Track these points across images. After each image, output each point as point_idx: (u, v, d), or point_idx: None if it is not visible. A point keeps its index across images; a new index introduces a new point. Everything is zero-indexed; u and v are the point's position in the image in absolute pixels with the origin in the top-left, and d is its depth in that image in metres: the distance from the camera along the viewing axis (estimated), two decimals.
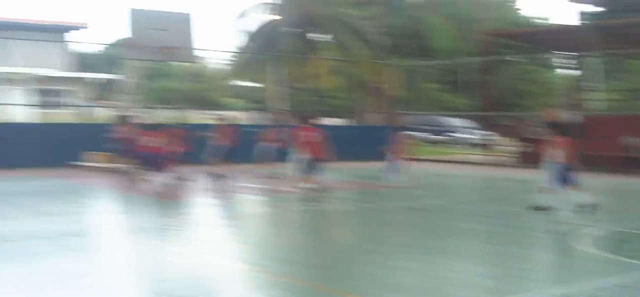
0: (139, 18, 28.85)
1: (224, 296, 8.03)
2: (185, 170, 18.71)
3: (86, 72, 47.92)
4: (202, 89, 57.94)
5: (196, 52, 32.17)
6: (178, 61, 40.81)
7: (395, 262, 9.59)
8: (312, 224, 14.23)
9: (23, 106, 39.48)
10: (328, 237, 12.70)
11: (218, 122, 21.56)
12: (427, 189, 20.37)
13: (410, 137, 23.53)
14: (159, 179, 16.94)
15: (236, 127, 21.36)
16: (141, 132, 18.06)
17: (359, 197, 19.42)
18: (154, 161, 17.09)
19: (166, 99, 52.77)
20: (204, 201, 17.40)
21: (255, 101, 52.32)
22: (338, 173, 21.20)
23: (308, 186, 17.31)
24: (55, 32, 47.11)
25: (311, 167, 17.39)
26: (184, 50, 29.43)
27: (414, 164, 22.03)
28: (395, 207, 16.72)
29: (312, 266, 9.58)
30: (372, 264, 9.32)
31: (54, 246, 10.46)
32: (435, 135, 45.38)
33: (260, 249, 11.08)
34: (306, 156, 17.39)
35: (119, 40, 56.04)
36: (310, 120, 18.38)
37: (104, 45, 62.93)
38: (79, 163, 21.66)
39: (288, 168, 18.99)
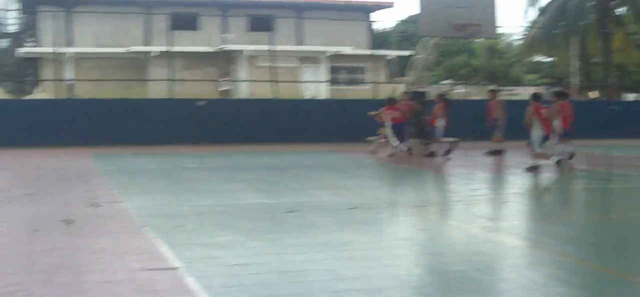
0: None
1: (502, 273, 7.83)
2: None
3: (383, 49, 49.14)
4: (499, 65, 57.12)
5: (496, 28, 31.52)
6: (477, 38, 40.57)
7: None
8: (596, 202, 13.53)
9: (323, 83, 41.38)
10: (613, 216, 11.96)
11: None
12: None
13: None
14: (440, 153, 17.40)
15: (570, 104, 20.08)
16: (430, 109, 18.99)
17: None
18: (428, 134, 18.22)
19: (463, 76, 52.77)
20: (484, 176, 17.22)
21: (550, 76, 50.76)
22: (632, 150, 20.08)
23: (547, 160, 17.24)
24: (361, 11, 48.85)
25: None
26: (483, 26, 28.92)
27: None
28: None
29: (594, 245, 9.07)
30: None
31: (339, 218, 10.80)
32: None
33: (540, 226, 10.72)
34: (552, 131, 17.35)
35: (413, 17, 56.85)
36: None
37: (400, 22, 64.12)
38: (373, 139, 22.31)
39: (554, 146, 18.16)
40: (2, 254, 8.12)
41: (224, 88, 39.23)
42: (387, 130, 21.11)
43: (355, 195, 13.48)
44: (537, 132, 16.98)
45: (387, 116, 21.14)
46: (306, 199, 12.77)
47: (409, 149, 20.91)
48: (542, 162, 16.98)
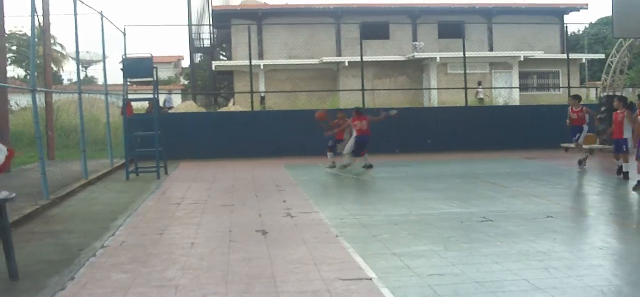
0: None
1: None
2: None
3: (575, 52, 47.49)
4: None
5: None
6: None
7: None
8: None
9: (514, 89, 40.47)
10: None
11: None
12: None
13: None
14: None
15: None
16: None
17: None
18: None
19: None
20: None
21: None
22: None
23: None
24: (553, 14, 47.48)
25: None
26: None
27: None
28: None
29: None
30: None
31: (535, 227, 10.47)
32: None
33: None
34: None
35: (604, 19, 54.58)
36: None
37: (592, 24, 61.69)
38: (567, 145, 21.57)
39: None
40: (200, 264, 8.43)
41: (479, 96, 39.16)
42: (350, 142, 20.26)
43: (551, 203, 13.02)
44: None
45: (353, 126, 20.18)
46: (501, 208, 12.49)
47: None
48: None
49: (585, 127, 19.81)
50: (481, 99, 38.91)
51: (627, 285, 7.26)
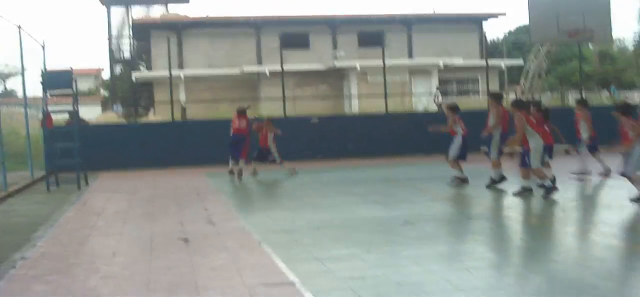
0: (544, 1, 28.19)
1: (621, 277, 7.51)
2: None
3: (494, 59, 48.48)
4: (612, 71, 55.43)
5: (610, 33, 30.53)
6: (590, 43, 39.50)
7: None
8: None
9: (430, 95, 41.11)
10: None
11: None
12: None
13: None
14: None
15: None
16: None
17: None
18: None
19: (575, 82, 51.48)
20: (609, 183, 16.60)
21: None
22: None
23: None
24: (471, 22, 48.36)
25: None
26: (596, 31, 28.05)
27: None
28: None
29: None
30: None
31: (455, 229, 10.62)
32: None
33: None
34: None
35: (523, 27, 55.89)
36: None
37: (510, 31, 63.13)
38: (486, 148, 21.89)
39: None
40: (122, 273, 8.30)
41: (439, 100, 39.25)
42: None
43: (471, 205, 13.23)
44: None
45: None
46: (421, 211, 12.62)
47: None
48: None
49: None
50: (439, 105, 39.23)
51: (547, 281, 7.42)
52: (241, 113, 20.57)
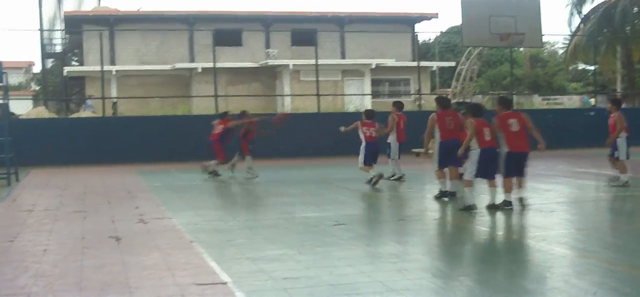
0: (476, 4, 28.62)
1: (551, 281, 7.69)
2: None
3: (426, 60, 49.08)
4: (543, 74, 56.63)
5: (541, 37, 31.21)
6: (521, 47, 40.26)
7: None
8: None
9: (366, 96, 41.31)
10: None
11: None
12: None
13: None
14: None
15: None
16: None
17: None
18: None
19: (505, 85, 52.44)
20: (538, 186, 16.96)
21: (593, 84, 50.23)
22: None
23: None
24: (404, 23, 48.78)
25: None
26: (527, 35, 28.64)
27: None
28: None
29: None
30: None
31: (387, 230, 10.74)
32: None
33: (593, 236, 10.52)
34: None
35: (455, 28, 56.66)
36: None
37: (443, 33, 63.88)
38: (419, 151, 22.13)
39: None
40: (53, 271, 8.20)
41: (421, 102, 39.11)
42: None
43: (403, 207, 13.39)
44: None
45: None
46: (353, 212, 12.74)
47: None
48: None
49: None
50: (420, 105, 39.27)
51: (477, 284, 7.58)
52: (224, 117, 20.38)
